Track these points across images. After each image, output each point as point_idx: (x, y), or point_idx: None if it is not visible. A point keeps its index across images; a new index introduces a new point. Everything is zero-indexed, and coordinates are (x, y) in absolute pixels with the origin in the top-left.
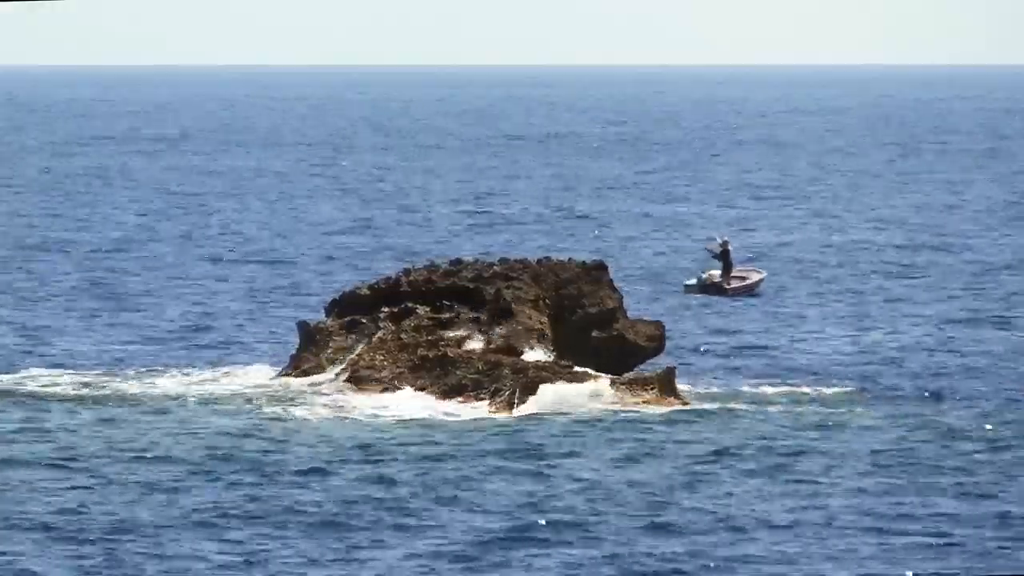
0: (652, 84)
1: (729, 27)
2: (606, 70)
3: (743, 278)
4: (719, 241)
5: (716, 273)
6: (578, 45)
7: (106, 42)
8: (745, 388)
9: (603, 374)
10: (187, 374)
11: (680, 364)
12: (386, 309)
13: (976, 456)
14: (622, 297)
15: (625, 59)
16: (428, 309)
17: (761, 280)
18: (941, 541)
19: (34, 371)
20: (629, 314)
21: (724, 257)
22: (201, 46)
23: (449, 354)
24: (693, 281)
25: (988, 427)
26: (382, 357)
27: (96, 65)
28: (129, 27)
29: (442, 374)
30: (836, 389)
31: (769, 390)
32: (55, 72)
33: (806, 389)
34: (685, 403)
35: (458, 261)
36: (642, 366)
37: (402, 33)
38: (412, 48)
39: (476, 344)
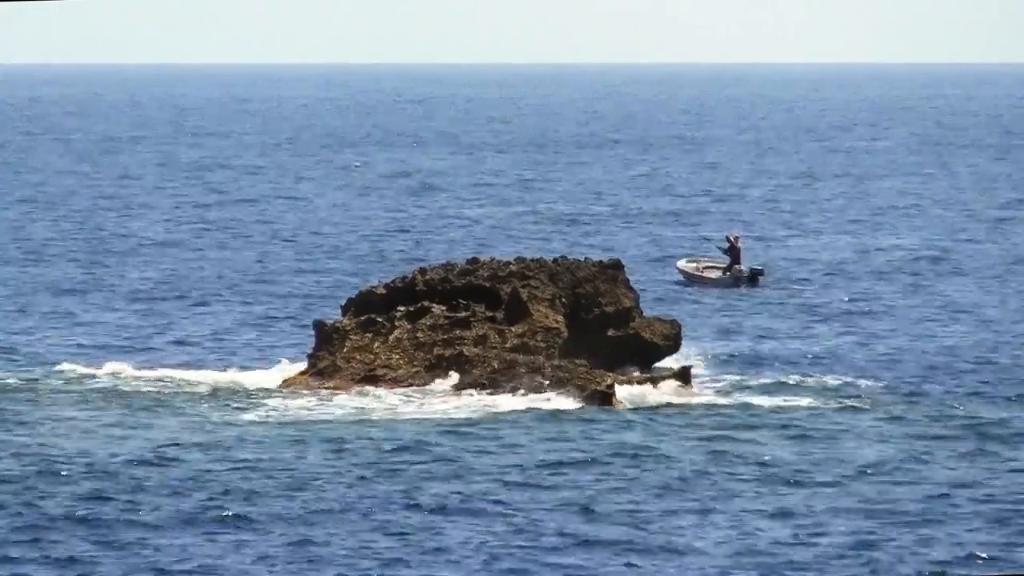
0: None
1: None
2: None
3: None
4: (729, 237)
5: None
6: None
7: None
8: (760, 385)
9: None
10: (203, 374)
11: (695, 362)
12: (402, 308)
13: (987, 454)
14: (638, 296)
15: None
16: (444, 308)
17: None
18: (946, 540)
19: (65, 366)
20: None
21: (732, 252)
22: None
23: (465, 353)
24: (685, 266)
25: (1008, 424)
26: (398, 356)
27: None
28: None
29: (458, 373)
30: (852, 385)
31: (786, 387)
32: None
33: (824, 386)
34: (701, 401)
35: (474, 260)
36: (658, 364)
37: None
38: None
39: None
